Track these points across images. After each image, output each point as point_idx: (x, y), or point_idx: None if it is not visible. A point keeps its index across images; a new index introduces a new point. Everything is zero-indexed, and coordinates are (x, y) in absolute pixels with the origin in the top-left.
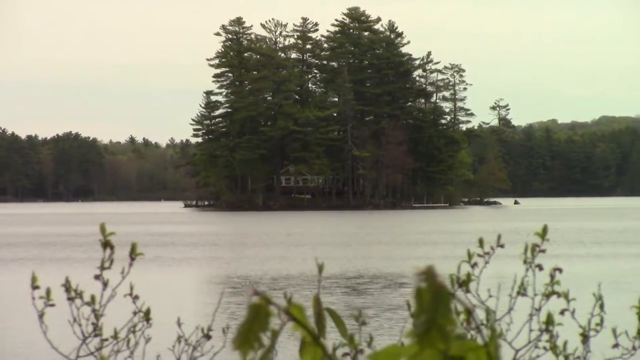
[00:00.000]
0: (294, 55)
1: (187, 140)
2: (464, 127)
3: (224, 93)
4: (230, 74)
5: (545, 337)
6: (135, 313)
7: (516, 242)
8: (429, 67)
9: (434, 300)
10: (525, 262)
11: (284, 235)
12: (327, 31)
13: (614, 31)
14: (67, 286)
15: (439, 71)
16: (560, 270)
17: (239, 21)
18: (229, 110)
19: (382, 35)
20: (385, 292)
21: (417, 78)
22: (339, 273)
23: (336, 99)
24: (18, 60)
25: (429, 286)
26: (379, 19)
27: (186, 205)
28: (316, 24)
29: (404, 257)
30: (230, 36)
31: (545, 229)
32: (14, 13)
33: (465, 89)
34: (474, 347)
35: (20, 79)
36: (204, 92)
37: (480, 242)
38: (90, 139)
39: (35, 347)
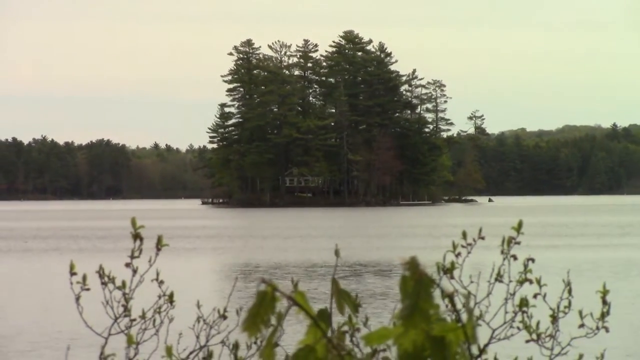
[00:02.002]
0: (296, 72)
1: (204, 146)
2: (444, 134)
3: (236, 105)
4: (241, 89)
5: (519, 318)
6: (160, 296)
7: (490, 234)
8: (414, 83)
9: (417, 286)
10: (502, 252)
11: (288, 229)
12: (326, 51)
13: (576, 51)
14: (101, 272)
15: (423, 86)
16: (532, 259)
17: (248, 43)
18: (241, 120)
19: (373, 55)
20: (376, 278)
21: (404, 92)
22: (333, 261)
23: (333, 110)
24: (55, 76)
25: (412, 274)
26: (370, 41)
27: (203, 203)
28: (316, 45)
29: (391, 247)
30: (241, 56)
31: (520, 224)
32: (48, 33)
33: (445, 101)
34: (453, 327)
35: (59, 93)
36: (219, 105)
37: (464, 234)
38: (120, 144)
39: (71, 326)
